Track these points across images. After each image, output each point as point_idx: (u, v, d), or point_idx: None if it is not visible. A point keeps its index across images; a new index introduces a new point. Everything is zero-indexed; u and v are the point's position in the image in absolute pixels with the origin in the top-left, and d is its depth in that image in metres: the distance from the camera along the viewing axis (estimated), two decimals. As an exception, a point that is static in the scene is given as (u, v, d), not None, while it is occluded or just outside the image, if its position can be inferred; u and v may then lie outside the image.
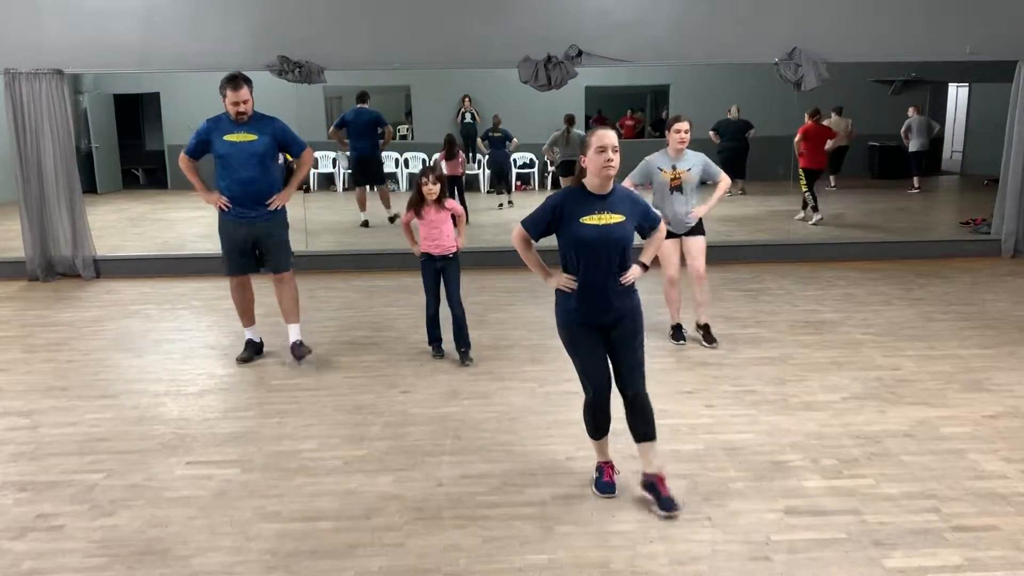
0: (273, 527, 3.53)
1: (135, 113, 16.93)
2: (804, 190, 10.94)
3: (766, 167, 12.73)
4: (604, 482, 3.77)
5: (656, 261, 4.52)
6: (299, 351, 5.62)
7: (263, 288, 6.02)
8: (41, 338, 6.40)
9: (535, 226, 3.58)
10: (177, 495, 3.83)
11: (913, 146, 13.94)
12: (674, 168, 5.69)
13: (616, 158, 3.40)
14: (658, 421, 3.67)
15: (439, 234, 5.50)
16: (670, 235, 5.64)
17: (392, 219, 10.69)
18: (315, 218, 10.76)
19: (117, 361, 5.83)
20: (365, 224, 10.69)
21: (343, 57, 8.25)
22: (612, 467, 3.85)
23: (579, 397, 4.96)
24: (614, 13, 8.30)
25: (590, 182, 3.49)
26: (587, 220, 3.46)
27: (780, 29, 8.31)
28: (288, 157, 5.84)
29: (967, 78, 16.11)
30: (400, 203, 10.99)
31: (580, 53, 8.20)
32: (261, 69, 8.08)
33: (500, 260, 8.30)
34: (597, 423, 3.72)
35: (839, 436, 4.36)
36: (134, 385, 5.34)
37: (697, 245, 5.85)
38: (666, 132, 5.73)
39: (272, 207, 5.44)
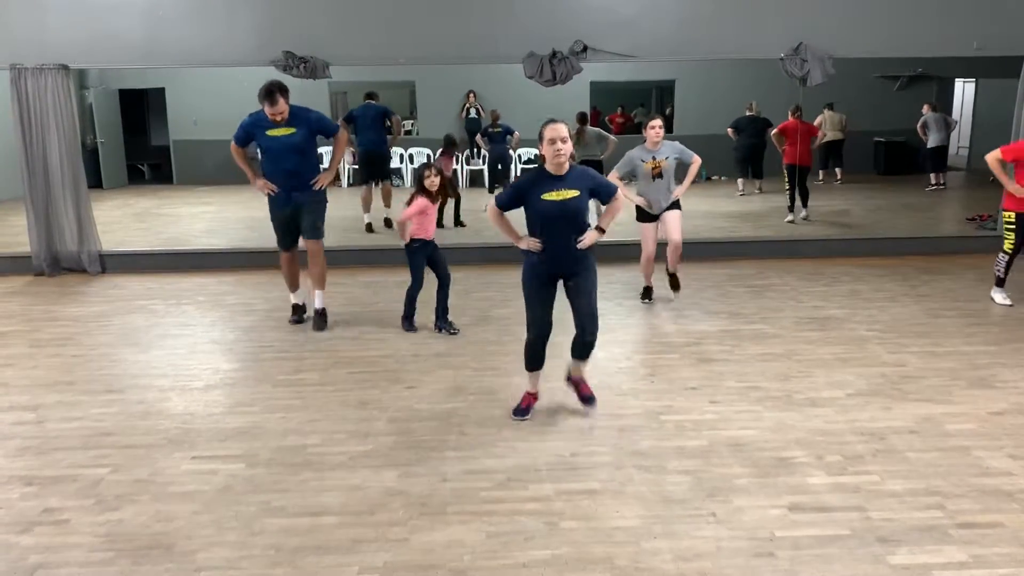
0: (278, 522, 3.54)
1: (140, 108, 16.94)
2: (786, 188, 10.89)
3: (771, 163, 12.69)
4: (520, 407, 4.62)
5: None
6: (319, 322, 6.37)
7: (264, 286, 6.02)
8: (47, 333, 6.42)
9: (506, 202, 4.38)
10: (182, 490, 3.84)
11: (931, 142, 13.77)
12: (654, 159, 6.59)
13: (565, 147, 4.13)
14: (663, 417, 3.78)
15: (431, 220, 6.19)
16: (651, 218, 6.76)
17: (387, 221, 10.52)
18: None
19: (123, 356, 5.85)
20: (369, 228, 10.44)
21: (348, 53, 8.24)
22: (534, 398, 4.67)
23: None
24: (619, 8, 8.27)
25: (548, 165, 4.23)
26: (546, 197, 4.22)
27: (786, 24, 8.28)
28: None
29: (973, 74, 16.07)
30: (396, 201, 10.98)
31: (585, 48, 8.19)
32: (266, 64, 8.09)
33: (505, 256, 8.27)
34: (532, 360, 4.58)
35: (844, 432, 4.36)
36: (139, 380, 5.36)
37: (673, 217, 6.72)
38: (643, 130, 6.69)
39: (317, 187, 6.16)
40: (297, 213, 6.20)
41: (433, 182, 6.06)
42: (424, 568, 3.19)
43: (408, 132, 15.78)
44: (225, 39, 8.20)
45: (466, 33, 8.30)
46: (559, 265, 4.36)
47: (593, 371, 5.38)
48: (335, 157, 6.34)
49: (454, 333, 6.17)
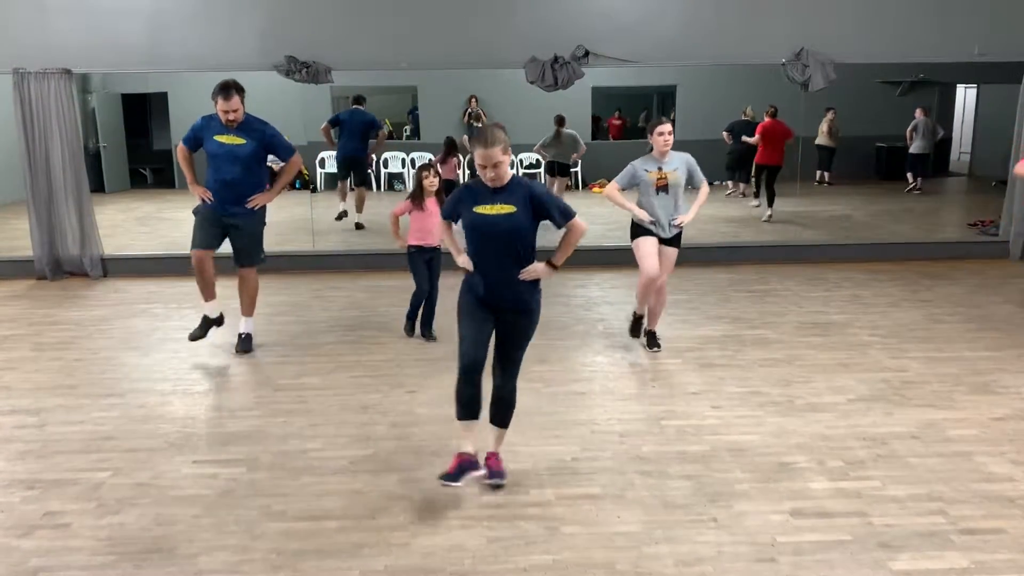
0: (279, 526, 3.54)
1: (143, 113, 16.96)
2: (752, 188, 11.04)
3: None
4: (447, 471, 3.67)
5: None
6: (243, 344, 5.92)
7: (264, 290, 6.02)
8: (49, 336, 6.43)
9: (448, 211, 3.88)
10: (183, 494, 3.84)
11: (915, 148, 14.00)
12: (660, 169, 5.63)
13: (497, 172, 3.60)
14: (664, 422, 3.69)
15: (432, 226, 5.88)
16: (651, 232, 5.67)
17: (358, 225, 10.66)
18: (321, 218, 10.79)
19: (124, 360, 5.85)
20: (343, 215, 10.69)
21: (350, 57, 8.25)
22: (466, 458, 3.69)
23: (584, 398, 5.00)
24: (621, 14, 8.29)
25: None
26: (479, 209, 3.67)
27: (787, 30, 8.29)
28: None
29: (975, 79, 16.04)
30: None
31: (587, 54, 8.20)
32: (268, 69, 8.11)
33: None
34: (463, 404, 3.73)
35: (845, 438, 4.35)
36: (141, 384, 5.36)
37: (669, 257, 5.79)
38: (648, 135, 5.64)
39: (250, 206, 5.67)
40: (229, 230, 5.73)
41: (432, 182, 5.94)
42: (425, 572, 3.18)
43: (409, 137, 15.82)
44: (228, 44, 8.21)
45: (468, 38, 8.31)
46: (491, 294, 3.73)
47: (595, 376, 5.39)
48: (281, 180, 5.85)
49: (430, 340, 6.15)
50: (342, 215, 10.79)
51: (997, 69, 9.03)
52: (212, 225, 5.72)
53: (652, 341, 5.95)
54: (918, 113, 14.09)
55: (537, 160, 14.61)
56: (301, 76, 8.14)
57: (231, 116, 5.46)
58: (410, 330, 6.29)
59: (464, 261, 3.79)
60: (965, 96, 17.01)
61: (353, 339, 6.25)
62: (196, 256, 5.75)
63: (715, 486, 3.84)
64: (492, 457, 3.89)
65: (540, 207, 3.68)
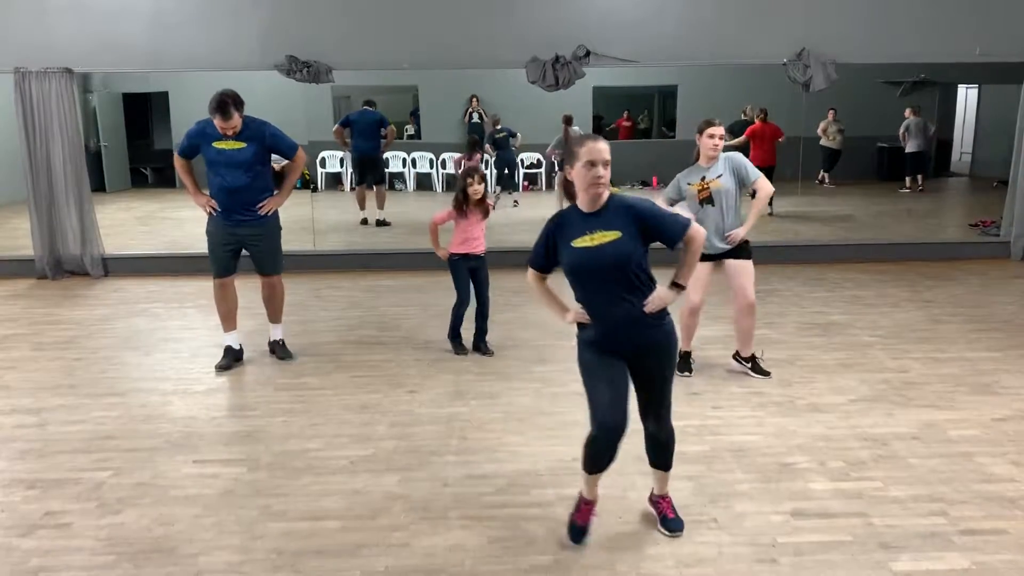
0: (279, 526, 3.54)
1: (144, 112, 16.99)
2: None
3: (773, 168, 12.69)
4: (576, 525, 3.37)
5: None
6: (282, 351, 5.81)
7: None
8: (49, 336, 6.43)
9: (535, 259, 3.28)
10: (184, 493, 3.84)
11: (910, 147, 14.08)
12: (703, 179, 5.01)
13: (607, 173, 3.05)
14: None
15: (479, 232, 5.65)
16: (703, 257, 4.86)
17: (380, 222, 10.78)
18: (322, 217, 10.79)
19: (125, 359, 5.85)
20: (364, 222, 10.80)
21: (351, 57, 8.26)
22: (590, 508, 3.41)
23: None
24: (622, 13, 8.29)
25: (580, 199, 3.14)
26: (577, 243, 3.10)
27: (789, 30, 8.28)
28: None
29: (977, 79, 16.03)
30: (399, 205, 11.03)
31: (588, 53, 8.19)
32: (269, 69, 8.11)
33: (508, 260, 8.27)
34: (595, 460, 3.27)
35: (846, 438, 4.35)
36: (142, 383, 5.36)
37: (744, 270, 5.12)
38: (696, 137, 5.07)
39: (262, 212, 5.44)
40: (245, 242, 5.49)
41: (477, 190, 5.52)
42: (426, 572, 3.18)
43: (411, 136, 15.84)
44: (229, 43, 8.22)
45: (469, 38, 8.31)
46: (615, 341, 3.17)
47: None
48: (289, 181, 5.55)
49: (488, 354, 5.77)
50: (364, 221, 10.91)
51: (998, 69, 9.03)
52: (224, 246, 5.47)
53: (757, 368, 5.29)
54: (908, 113, 14.18)
55: (539, 160, 14.61)
56: (302, 76, 8.15)
57: (229, 132, 5.21)
58: (460, 347, 5.82)
59: (574, 316, 3.23)
60: (966, 96, 16.99)
61: (353, 339, 6.24)
62: (218, 286, 5.60)
63: (716, 487, 3.83)
64: (665, 502, 3.49)
65: (648, 227, 3.11)
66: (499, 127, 12.64)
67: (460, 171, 5.84)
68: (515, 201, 12.66)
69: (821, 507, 3.63)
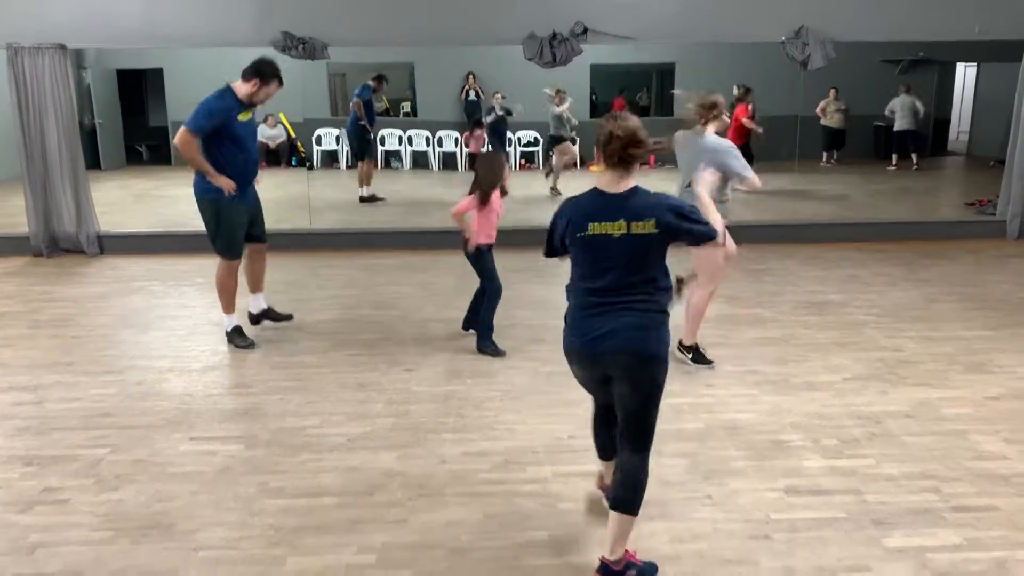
0: (277, 503, 3.56)
1: (138, 89, 16.85)
2: None
3: (770, 147, 12.66)
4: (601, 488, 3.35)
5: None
6: (277, 315, 5.96)
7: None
8: (46, 314, 6.42)
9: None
10: (181, 470, 3.86)
11: (897, 125, 14.04)
12: None
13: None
14: (660, 400, 3.52)
15: (496, 220, 5.38)
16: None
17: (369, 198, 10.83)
18: (318, 196, 10.76)
19: (122, 337, 5.85)
20: (365, 199, 10.82)
21: (347, 33, 8.19)
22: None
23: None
24: (620, -10, 8.23)
25: (601, 180, 2.93)
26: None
27: (787, 8, 8.23)
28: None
29: (975, 58, 15.97)
30: (395, 183, 10.99)
31: (585, 30, 8.14)
32: (265, 45, 8.03)
33: (504, 239, 8.29)
34: (595, 437, 3.35)
35: (840, 416, 4.37)
36: (138, 361, 5.36)
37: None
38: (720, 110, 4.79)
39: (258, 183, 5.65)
40: (253, 213, 5.57)
41: (508, 180, 5.31)
42: (422, 548, 3.21)
43: (407, 114, 15.77)
44: (223, 19, 8.15)
45: (466, 14, 8.25)
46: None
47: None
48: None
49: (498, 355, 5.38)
50: (366, 198, 10.97)
51: (997, 47, 8.99)
52: (242, 226, 5.45)
53: (698, 358, 5.14)
54: (900, 90, 14.11)
55: (536, 138, 14.56)
56: (297, 52, 8.09)
57: (266, 101, 5.36)
58: (498, 349, 5.39)
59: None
60: (965, 75, 16.94)
61: (350, 317, 6.25)
62: (237, 264, 5.54)
63: (710, 464, 3.86)
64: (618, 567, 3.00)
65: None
66: (501, 103, 12.65)
67: (484, 159, 5.48)
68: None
69: (814, 484, 3.66)
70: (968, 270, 7.51)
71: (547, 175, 12.03)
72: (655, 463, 3.85)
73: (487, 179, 5.24)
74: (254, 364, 5.30)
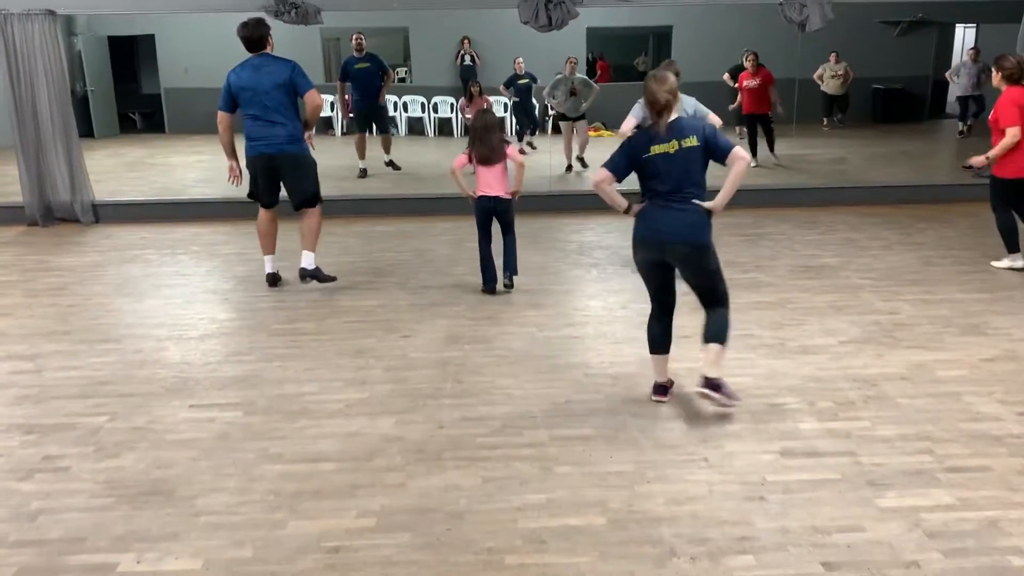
0: (276, 468, 3.59)
1: (130, 56, 16.66)
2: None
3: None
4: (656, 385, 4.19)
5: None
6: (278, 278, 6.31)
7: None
8: (42, 283, 6.41)
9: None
10: (181, 437, 3.88)
11: (957, 90, 13.41)
12: None
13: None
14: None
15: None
16: None
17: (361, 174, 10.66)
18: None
19: (119, 306, 5.85)
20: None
21: (340, -3, 8.10)
22: (661, 388, 4.17)
23: (578, 341, 5.03)
24: (616, -48, 8.12)
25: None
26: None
27: (785, -32, 8.13)
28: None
29: (974, 19, 15.85)
30: (380, 150, 10.91)
31: (581, -7, 8.05)
32: (256, 11, 7.90)
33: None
34: (648, 330, 4.17)
35: (836, 379, 4.40)
36: (136, 329, 5.37)
37: None
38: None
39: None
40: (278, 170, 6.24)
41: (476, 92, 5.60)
42: (421, 512, 3.24)
43: (402, 80, 15.58)
44: (214, -16, 8.04)
45: (460, -23, 8.15)
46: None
47: (588, 320, 5.42)
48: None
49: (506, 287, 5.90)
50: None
51: (996, 8, 8.92)
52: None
53: None
54: (968, 54, 13.37)
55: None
56: (290, 17, 7.99)
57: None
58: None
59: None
60: (964, 36, 16.81)
61: (347, 284, 6.25)
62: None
63: (707, 426, 3.89)
64: (715, 386, 4.00)
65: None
66: (522, 72, 11.69)
67: (476, 117, 5.85)
68: (531, 143, 12.14)
69: (809, 446, 3.69)
70: (964, 233, 7.51)
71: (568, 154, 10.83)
72: (653, 427, 3.90)
73: (483, 139, 5.61)
74: (251, 332, 5.30)
